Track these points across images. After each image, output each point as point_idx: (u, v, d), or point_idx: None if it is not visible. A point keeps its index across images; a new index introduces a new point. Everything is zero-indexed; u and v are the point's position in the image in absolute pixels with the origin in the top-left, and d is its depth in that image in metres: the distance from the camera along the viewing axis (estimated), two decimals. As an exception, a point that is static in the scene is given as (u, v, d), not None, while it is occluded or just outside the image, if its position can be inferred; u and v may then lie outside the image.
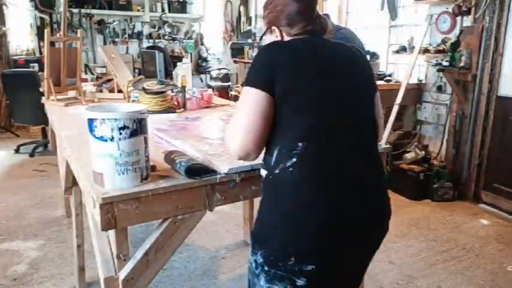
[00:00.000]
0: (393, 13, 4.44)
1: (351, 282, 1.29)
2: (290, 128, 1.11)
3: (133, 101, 2.52)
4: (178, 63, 3.22)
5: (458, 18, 3.65)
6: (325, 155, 1.11)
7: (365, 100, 1.23)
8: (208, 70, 7.29)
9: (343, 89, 1.17)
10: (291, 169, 1.09)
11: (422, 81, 4.12)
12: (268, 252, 1.13)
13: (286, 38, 1.23)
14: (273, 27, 1.24)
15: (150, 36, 6.85)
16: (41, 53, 5.81)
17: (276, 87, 1.10)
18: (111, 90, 3.13)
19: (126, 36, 6.65)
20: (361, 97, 1.22)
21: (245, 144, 1.12)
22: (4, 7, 5.79)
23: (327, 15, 1.96)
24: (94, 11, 6.23)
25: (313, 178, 1.09)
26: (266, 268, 1.14)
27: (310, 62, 1.14)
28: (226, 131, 1.22)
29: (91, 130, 1.20)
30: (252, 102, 1.11)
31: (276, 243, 1.11)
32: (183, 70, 3.04)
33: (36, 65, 5.43)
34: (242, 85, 6.13)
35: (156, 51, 3.44)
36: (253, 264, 1.18)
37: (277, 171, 1.12)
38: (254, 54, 6.30)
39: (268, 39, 1.27)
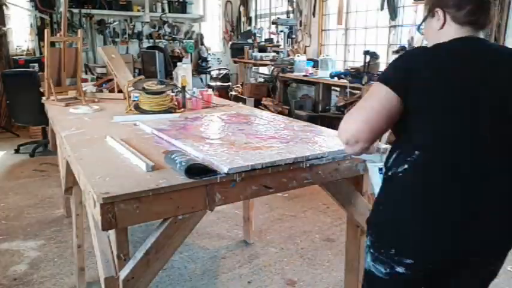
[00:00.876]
0: (393, 13, 4.45)
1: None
2: (413, 137, 1.14)
3: (134, 101, 2.52)
4: (178, 63, 3.22)
5: (458, 19, 3.65)
6: (440, 169, 1.10)
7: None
8: (208, 70, 7.30)
9: (485, 104, 1.09)
10: (400, 174, 1.15)
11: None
12: (374, 238, 1.24)
13: (449, 23, 1.16)
14: (437, 9, 1.18)
15: (150, 36, 6.86)
16: (41, 53, 5.82)
17: (409, 97, 1.10)
18: (111, 90, 3.14)
19: (126, 36, 6.66)
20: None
21: (360, 131, 1.11)
22: (4, 7, 5.79)
23: None
24: (94, 11, 6.25)
25: (420, 187, 1.12)
26: (372, 250, 1.24)
27: (454, 76, 1.09)
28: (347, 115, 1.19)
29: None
30: (381, 98, 1.11)
31: (380, 234, 1.22)
32: (183, 70, 3.04)
33: (36, 65, 5.43)
34: (242, 85, 6.08)
35: (156, 51, 3.45)
36: (368, 242, 1.28)
37: (390, 174, 1.19)
38: (254, 54, 6.32)
39: (428, 24, 1.23)
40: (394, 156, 1.18)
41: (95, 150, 1.62)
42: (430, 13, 1.21)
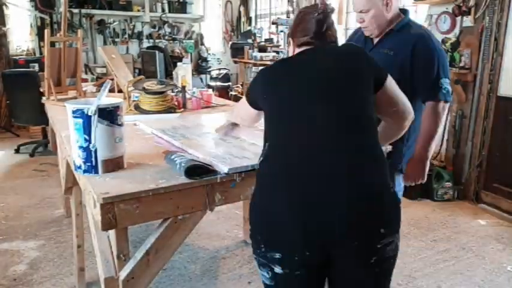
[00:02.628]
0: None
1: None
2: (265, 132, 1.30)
3: (134, 101, 2.52)
4: (179, 63, 3.22)
5: (458, 19, 3.65)
6: (285, 152, 1.22)
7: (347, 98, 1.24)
8: (208, 70, 7.30)
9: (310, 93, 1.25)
10: (258, 167, 1.27)
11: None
12: (251, 240, 1.27)
13: (296, 48, 1.40)
14: (289, 39, 1.45)
15: (150, 36, 6.86)
16: (41, 53, 5.81)
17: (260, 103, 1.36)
18: (112, 91, 3.12)
19: (126, 36, 6.65)
20: (343, 96, 1.24)
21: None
22: (4, 7, 5.79)
23: (405, 10, 1.92)
24: (94, 11, 6.24)
25: (273, 172, 1.22)
26: (254, 255, 1.27)
27: (283, 78, 1.31)
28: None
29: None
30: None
31: (251, 233, 1.26)
32: (183, 70, 3.04)
33: (36, 65, 5.43)
34: (242, 85, 6.10)
35: (156, 52, 3.44)
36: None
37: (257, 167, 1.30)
38: (254, 54, 6.31)
39: (289, 50, 1.49)
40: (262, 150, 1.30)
41: (94, 150, 1.61)
42: (287, 42, 1.56)
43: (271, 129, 1.28)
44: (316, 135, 1.19)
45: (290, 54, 1.44)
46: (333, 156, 1.17)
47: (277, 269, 1.20)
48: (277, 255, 1.18)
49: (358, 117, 1.23)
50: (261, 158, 1.26)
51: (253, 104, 1.41)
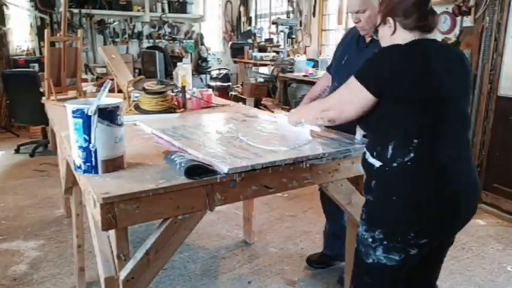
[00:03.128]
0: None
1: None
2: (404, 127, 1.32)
3: (134, 101, 2.52)
4: (179, 64, 3.22)
5: (458, 19, 3.65)
6: (437, 150, 1.31)
7: (466, 97, 1.42)
8: (208, 70, 7.30)
9: (451, 89, 1.33)
10: (409, 163, 1.30)
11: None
12: (389, 230, 1.35)
13: (399, 30, 1.36)
14: (388, 18, 1.37)
15: (150, 36, 6.86)
16: (41, 53, 5.81)
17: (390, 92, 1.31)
18: (112, 91, 3.12)
19: (126, 36, 6.66)
20: (464, 95, 1.40)
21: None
22: (4, 7, 5.79)
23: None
24: (94, 11, 6.24)
25: (428, 170, 1.32)
26: (385, 242, 1.35)
27: (424, 68, 1.29)
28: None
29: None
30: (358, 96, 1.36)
31: (398, 224, 1.34)
32: (183, 70, 3.04)
33: (36, 65, 5.44)
34: (242, 85, 6.04)
35: (156, 52, 3.44)
36: (370, 239, 1.39)
37: (394, 165, 1.32)
38: (254, 54, 6.31)
39: (382, 30, 1.42)
40: (390, 149, 1.32)
41: (95, 150, 1.61)
42: (382, 21, 1.40)
43: (418, 123, 1.31)
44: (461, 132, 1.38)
45: (384, 37, 1.42)
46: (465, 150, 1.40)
47: (413, 251, 1.35)
48: (424, 241, 1.34)
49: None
50: (412, 154, 1.29)
51: (378, 91, 1.31)
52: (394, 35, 1.38)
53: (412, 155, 1.29)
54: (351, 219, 1.82)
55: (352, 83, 1.35)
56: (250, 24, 7.26)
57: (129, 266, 1.27)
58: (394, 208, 1.33)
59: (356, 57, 1.95)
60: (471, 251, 2.84)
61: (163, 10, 6.84)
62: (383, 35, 1.43)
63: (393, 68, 1.28)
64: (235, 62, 7.00)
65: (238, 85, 6.80)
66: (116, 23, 6.53)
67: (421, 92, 1.28)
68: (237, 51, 6.75)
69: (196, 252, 2.79)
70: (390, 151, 1.32)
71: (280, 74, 5.61)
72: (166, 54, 5.92)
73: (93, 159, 1.31)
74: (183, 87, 2.58)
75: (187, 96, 2.59)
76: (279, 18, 6.02)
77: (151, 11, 6.73)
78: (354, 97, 1.35)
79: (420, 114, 1.29)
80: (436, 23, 1.38)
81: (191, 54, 7.16)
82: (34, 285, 2.40)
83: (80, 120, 1.28)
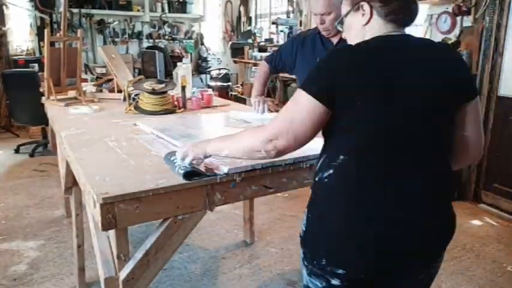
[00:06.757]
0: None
1: None
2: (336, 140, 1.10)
3: (133, 100, 2.51)
4: (178, 63, 3.21)
5: (458, 18, 3.65)
6: (363, 170, 1.06)
7: (433, 110, 1.06)
8: (208, 70, 7.29)
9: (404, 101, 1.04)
10: (326, 180, 1.10)
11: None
12: (306, 249, 1.17)
13: (375, 19, 1.10)
14: (363, 3, 1.10)
15: (150, 36, 6.85)
16: (41, 53, 5.81)
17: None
18: (111, 90, 3.13)
19: (126, 36, 6.65)
20: (428, 107, 1.06)
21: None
22: (4, 7, 5.79)
23: None
24: (94, 11, 6.24)
25: (347, 190, 1.08)
26: (305, 263, 1.18)
27: (373, 72, 1.03)
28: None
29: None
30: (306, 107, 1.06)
31: (310, 244, 1.16)
32: (183, 70, 3.04)
33: (36, 65, 5.43)
34: (242, 85, 6.05)
35: (156, 51, 3.44)
36: (302, 257, 1.21)
37: (316, 179, 1.14)
38: (254, 54, 6.31)
39: (351, 18, 1.14)
40: (321, 160, 1.13)
41: (94, 150, 1.62)
42: (354, 7, 1.12)
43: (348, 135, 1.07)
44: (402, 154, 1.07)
45: (353, 28, 1.14)
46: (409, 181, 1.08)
47: (335, 281, 1.11)
48: (340, 271, 1.09)
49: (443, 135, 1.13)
50: (331, 171, 1.09)
51: (329, 100, 1.03)
52: (368, 24, 1.11)
53: (331, 171, 1.08)
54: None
55: (300, 95, 1.06)
56: (250, 24, 7.25)
57: (129, 266, 1.26)
58: (308, 226, 1.16)
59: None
60: (472, 252, 2.84)
61: (163, 10, 6.83)
62: (351, 25, 1.15)
63: (338, 73, 1.03)
64: (235, 62, 6.99)
65: (238, 85, 6.79)
66: (115, 23, 6.52)
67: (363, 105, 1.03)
68: (237, 51, 6.74)
69: (196, 253, 2.79)
70: (319, 164, 1.14)
71: (280, 74, 5.60)
72: (166, 54, 5.91)
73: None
74: (183, 87, 2.57)
75: (187, 96, 2.59)
76: (279, 18, 6.01)
77: (151, 10, 6.73)
78: (305, 113, 1.05)
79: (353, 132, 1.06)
80: (417, 13, 1.12)
81: (191, 54, 7.15)
82: (34, 286, 2.40)
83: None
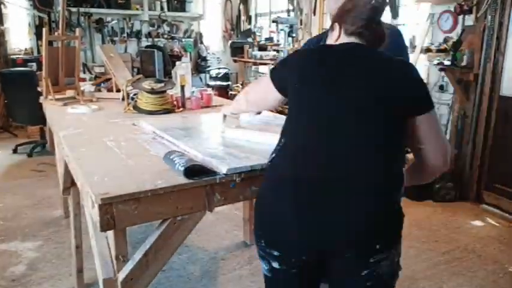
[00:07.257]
0: (394, 12, 4.42)
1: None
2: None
3: (132, 100, 2.49)
4: (178, 63, 3.19)
5: (460, 17, 3.64)
6: (293, 156, 1.17)
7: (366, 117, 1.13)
8: (207, 69, 7.27)
9: (336, 100, 1.15)
10: (269, 163, 1.24)
11: (424, 81, 4.09)
12: (254, 233, 1.28)
13: (342, 36, 1.25)
14: (335, 24, 1.28)
15: (149, 35, 6.83)
16: (39, 52, 5.79)
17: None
18: (110, 90, 3.11)
19: (125, 35, 6.62)
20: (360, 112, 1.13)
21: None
22: (2, 6, 5.76)
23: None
24: (92, 10, 6.21)
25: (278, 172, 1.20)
26: (256, 245, 1.28)
27: (313, 69, 1.21)
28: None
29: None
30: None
31: (255, 225, 1.26)
32: (182, 69, 3.02)
33: (34, 64, 5.40)
34: (242, 84, 6.08)
35: (155, 50, 3.42)
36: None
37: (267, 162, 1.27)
38: (254, 53, 6.29)
39: (330, 35, 1.33)
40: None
41: (93, 150, 1.60)
42: (330, 27, 1.31)
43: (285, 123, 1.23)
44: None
45: (331, 41, 1.29)
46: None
47: (275, 264, 1.22)
48: (276, 253, 1.20)
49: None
50: (273, 155, 1.23)
51: (281, 89, 1.28)
52: (338, 40, 1.26)
53: (274, 154, 1.23)
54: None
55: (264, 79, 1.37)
56: (250, 23, 7.23)
57: (128, 267, 1.25)
58: (255, 208, 1.27)
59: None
60: (473, 252, 2.82)
61: (162, 8, 6.81)
62: (329, 41, 1.32)
63: (288, 67, 1.28)
64: (235, 61, 6.97)
65: (238, 84, 6.77)
66: (114, 22, 6.50)
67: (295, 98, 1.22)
68: (236, 50, 6.72)
69: (195, 254, 2.77)
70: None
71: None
72: (165, 53, 5.88)
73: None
74: (182, 87, 2.55)
75: (187, 95, 2.57)
76: (279, 16, 5.99)
77: (150, 9, 6.70)
78: (268, 93, 1.34)
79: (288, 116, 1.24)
80: (382, 34, 1.24)
81: (190, 53, 7.13)
82: (32, 286, 2.38)
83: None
